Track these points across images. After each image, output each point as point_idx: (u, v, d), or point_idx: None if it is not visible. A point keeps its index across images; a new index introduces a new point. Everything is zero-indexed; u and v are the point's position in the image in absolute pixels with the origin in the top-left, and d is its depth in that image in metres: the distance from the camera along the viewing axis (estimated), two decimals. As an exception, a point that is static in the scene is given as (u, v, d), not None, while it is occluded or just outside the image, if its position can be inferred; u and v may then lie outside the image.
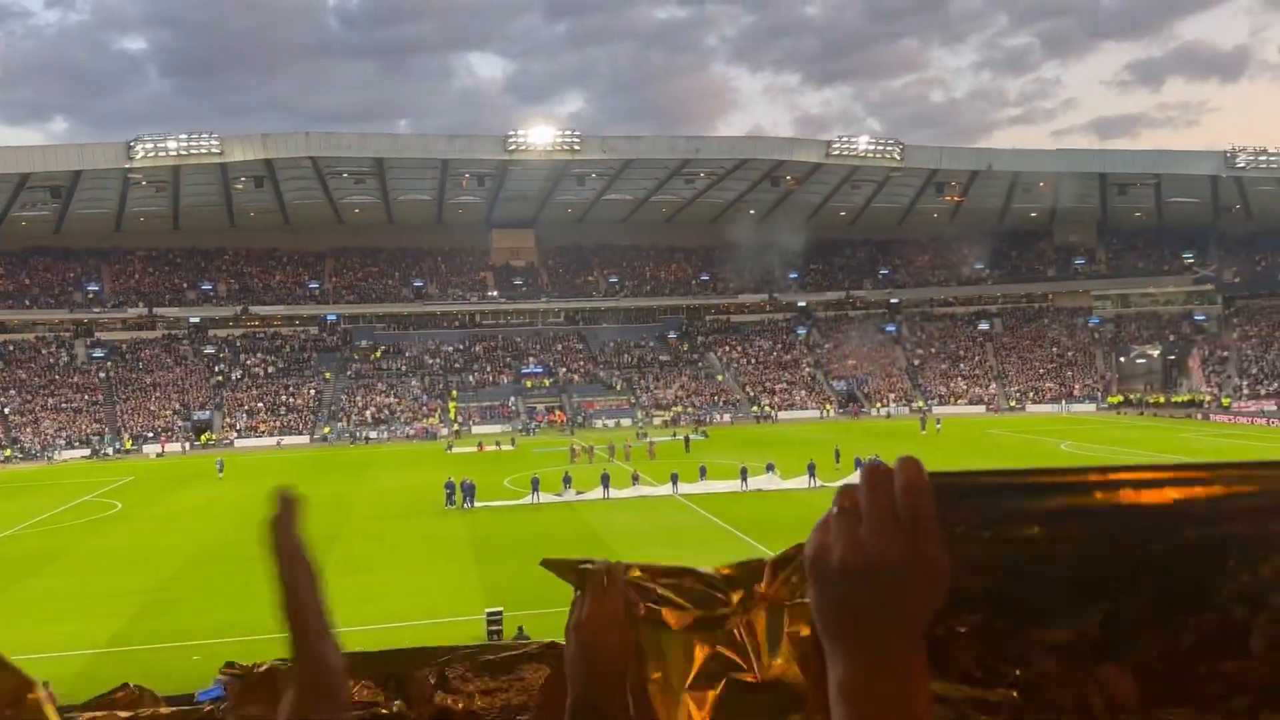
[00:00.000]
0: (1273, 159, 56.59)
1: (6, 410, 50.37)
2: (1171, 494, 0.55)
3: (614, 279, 69.01)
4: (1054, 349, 65.23)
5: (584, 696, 0.86)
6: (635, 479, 34.98)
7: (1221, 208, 64.45)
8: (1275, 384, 55.51)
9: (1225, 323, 63.31)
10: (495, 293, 66.58)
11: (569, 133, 54.59)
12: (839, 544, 0.49)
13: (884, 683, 0.48)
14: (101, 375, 55.78)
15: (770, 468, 34.85)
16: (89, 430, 51.32)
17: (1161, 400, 57.00)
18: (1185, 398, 57.00)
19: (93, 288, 59.05)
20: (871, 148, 56.74)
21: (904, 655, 0.49)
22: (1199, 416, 53.96)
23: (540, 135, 53.61)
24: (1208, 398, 56.63)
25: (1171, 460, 0.63)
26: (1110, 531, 0.54)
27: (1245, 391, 55.50)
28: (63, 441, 49.69)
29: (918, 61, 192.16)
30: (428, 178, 57.09)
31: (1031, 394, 59.74)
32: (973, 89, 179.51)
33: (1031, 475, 0.55)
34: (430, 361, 61.09)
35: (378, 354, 61.83)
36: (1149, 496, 0.55)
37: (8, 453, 49.57)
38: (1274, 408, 51.63)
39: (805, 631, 0.90)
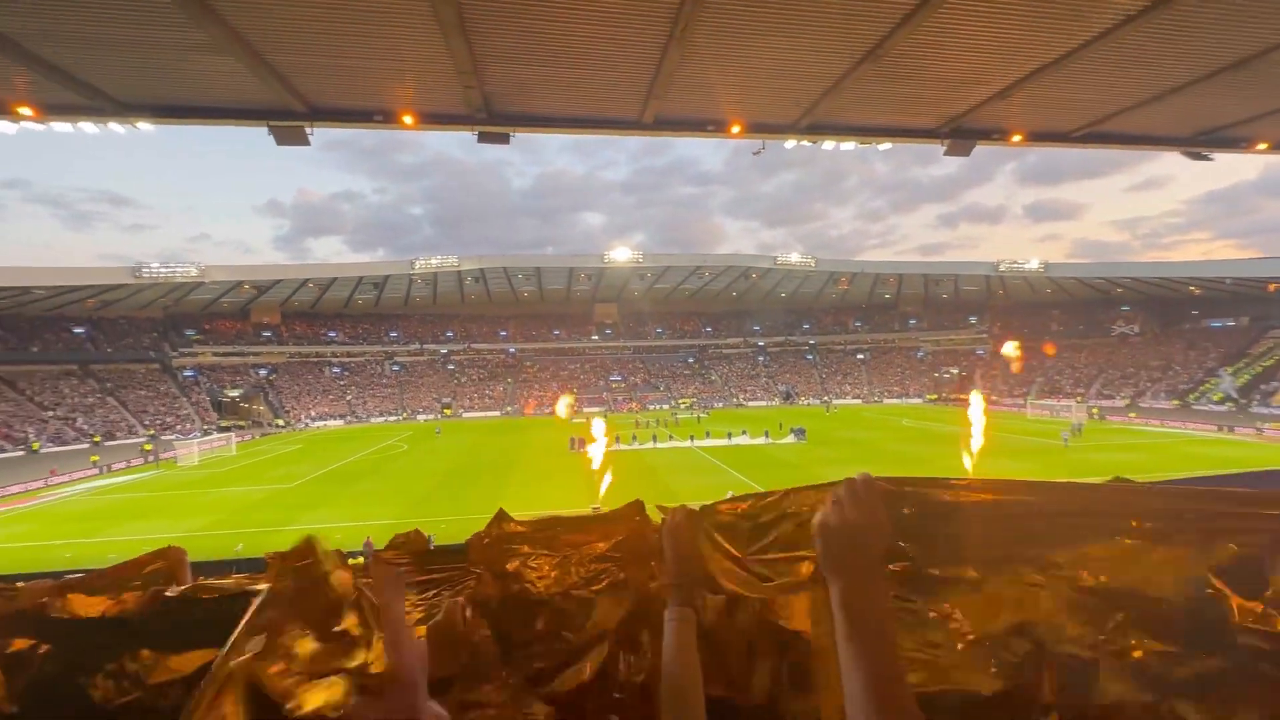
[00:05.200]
0: (1018, 267, 70.25)
1: (349, 398, 70.29)
2: (1003, 497, 0.91)
3: (659, 330, 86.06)
4: (898, 370, 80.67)
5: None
6: (670, 438, 41.82)
7: (992, 292, 79.85)
8: (1018, 388, 68.83)
9: (991, 355, 79.06)
10: (596, 337, 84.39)
11: (637, 252, 69.14)
12: (835, 517, 0.85)
13: (863, 594, 0.81)
14: (398, 379, 75.37)
15: (744, 432, 43.01)
16: (390, 407, 69.63)
17: (957, 397, 67.97)
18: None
19: (393, 334, 78.36)
20: (799, 259, 71.20)
21: (874, 577, 0.83)
22: (979, 406, 73.10)
23: (620, 254, 68.06)
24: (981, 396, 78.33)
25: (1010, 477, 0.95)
26: (971, 515, 0.90)
27: (1002, 391, 69.64)
28: (378, 413, 68.26)
29: (822, 215, 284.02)
30: (562, 276, 73.46)
31: (887, 394, 75.38)
32: (852, 229, 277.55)
33: (933, 481, 0.91)
34: (561, 373, 78.73)
35: (535, 369, 79.62)
36: (985, 494, 0.92)
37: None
38: (1013, 400, 64.34)
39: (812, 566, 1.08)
